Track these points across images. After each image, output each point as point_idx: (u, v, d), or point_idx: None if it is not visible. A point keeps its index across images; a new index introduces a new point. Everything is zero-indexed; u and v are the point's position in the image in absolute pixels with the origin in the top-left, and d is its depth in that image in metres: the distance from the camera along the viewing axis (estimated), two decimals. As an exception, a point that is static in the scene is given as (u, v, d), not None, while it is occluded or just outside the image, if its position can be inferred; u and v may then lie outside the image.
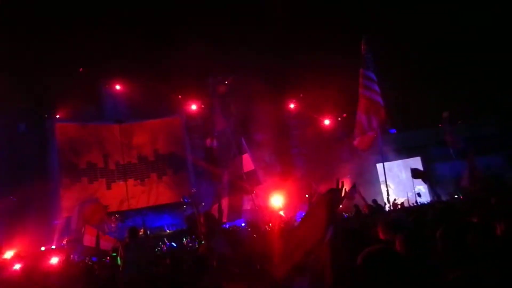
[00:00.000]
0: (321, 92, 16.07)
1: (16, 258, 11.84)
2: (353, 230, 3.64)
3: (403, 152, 16.99)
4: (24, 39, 13.23)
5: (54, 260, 11.05)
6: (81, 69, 14.98)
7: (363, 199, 10.63)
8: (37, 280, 8.24)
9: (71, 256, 10.11)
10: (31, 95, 14.78)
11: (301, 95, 18.20)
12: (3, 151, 14.45)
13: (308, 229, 2.88)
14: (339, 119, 18.35)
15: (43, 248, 13.15)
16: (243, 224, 11.49)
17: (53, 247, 13.43)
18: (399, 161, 17.16)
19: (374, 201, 12.48)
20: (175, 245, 11.57)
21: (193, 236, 10.20)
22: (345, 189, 2.96)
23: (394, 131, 18.87)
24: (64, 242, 13.60)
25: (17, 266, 11.34)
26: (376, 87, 11.21)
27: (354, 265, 2.41)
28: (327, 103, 17.14)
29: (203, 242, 6.98)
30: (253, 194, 10.25)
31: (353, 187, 13.32)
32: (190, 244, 10.32)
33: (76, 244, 11.81)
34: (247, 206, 12.79)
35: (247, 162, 9.47)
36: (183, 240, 10.88)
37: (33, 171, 15.04)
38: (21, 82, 13.78)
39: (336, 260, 2.63)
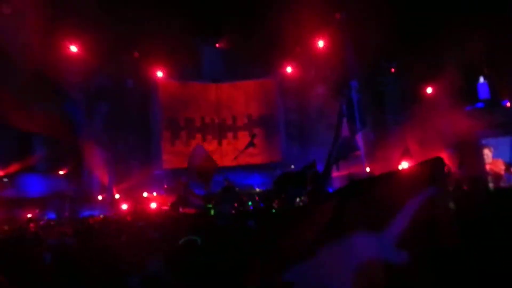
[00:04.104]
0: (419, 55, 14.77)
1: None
2: None
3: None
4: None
5: (153, 205, 12.69)
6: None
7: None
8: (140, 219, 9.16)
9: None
10: (139, 54, 15.83)
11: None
12: (114, 103, 15.85)
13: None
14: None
15: (145, 194, 14.49)
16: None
17: (154, 194, 14.73)
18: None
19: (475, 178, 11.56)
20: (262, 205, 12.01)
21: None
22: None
23: (506, 102, 16.84)
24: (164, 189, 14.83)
25: (124, 206, 13.18)
26: None
27: None
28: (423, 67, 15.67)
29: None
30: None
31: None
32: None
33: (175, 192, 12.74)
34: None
35: (343, 128, 9.08)
36: (272, 202, 11.11)
37: (138, 124, 16.40)
38: (130, 41, 14.77)
39: None
